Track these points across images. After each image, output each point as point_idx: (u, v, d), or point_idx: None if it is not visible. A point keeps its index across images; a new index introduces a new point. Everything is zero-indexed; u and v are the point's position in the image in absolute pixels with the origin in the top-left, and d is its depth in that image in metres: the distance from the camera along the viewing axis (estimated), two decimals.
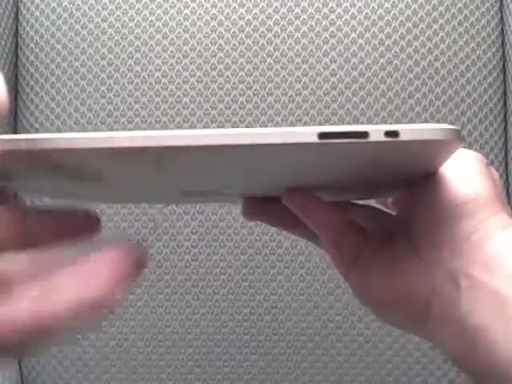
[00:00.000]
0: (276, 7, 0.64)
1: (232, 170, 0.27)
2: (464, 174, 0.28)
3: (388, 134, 0.23)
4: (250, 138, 0.22)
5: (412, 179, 0.30)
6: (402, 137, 0.23)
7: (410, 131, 0.23)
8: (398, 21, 0.64)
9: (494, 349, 0.24)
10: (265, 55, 0.64)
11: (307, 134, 0.22)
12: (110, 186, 0.30)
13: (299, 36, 0.64)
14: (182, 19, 0.65)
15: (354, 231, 0.31)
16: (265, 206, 0.35)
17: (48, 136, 0.22)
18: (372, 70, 0.64)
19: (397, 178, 0.29)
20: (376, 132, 0.22)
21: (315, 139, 0.22)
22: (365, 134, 0.22)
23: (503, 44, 0.65)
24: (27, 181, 0.28)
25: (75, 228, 0.24)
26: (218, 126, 0.64)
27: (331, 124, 0.63)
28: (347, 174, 0.28)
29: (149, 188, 0.31)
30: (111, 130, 0.64)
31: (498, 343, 0.24)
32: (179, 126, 0.64)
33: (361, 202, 0.36)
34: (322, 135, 0.22)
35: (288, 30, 0.64)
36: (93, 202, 0.61)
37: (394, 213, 0.34)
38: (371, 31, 0.64)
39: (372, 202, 0.36)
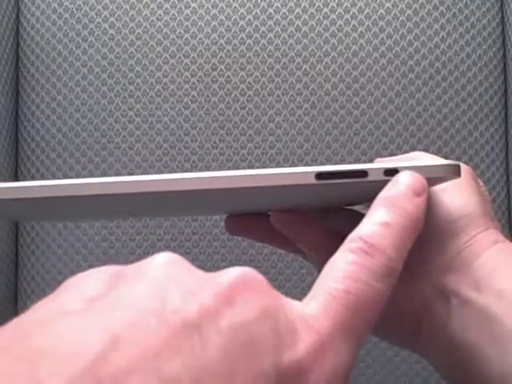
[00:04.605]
0: (277, 7, 0.64)
1: (217, 202, 0.27)
2: (454, 189, 0.28)
3: (387, 172, 0.23)
4: (247, 182, 0.22)
5: None
6: None
7: (409, 170, 0.23)
8: (399, 20, 0.64)
9: (487, 366, 0.24)
10: (265, 55, 0.64)
11: (305, 175, 0.22)
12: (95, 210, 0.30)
13: (300, 36, 0.64)
14: (182, 19, 0.65)
15: None
16: (249, 223, 0.34)
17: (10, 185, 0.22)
18: (373, 70, 0.64)
19: None
20: (375, 171, 0.22)
21: (313, 180, 0.22)
22: (364, 174, 0.22)
23: (504, 44, 0.65)
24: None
25: None
26: (219, 126, 0.64)
27: (332, 124, 0.64)
28: (340, 198, 0.28)
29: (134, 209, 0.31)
30: (112, 129, 0.64)
31: (490, 361, 0.24)
32: (179, 126, 0.64)
33: (346, 207, 0.35)
34: (320, 176, 0.22)
35: (289, 30, 0.64)
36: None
37: None
38: (372, 31, 0.64)
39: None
